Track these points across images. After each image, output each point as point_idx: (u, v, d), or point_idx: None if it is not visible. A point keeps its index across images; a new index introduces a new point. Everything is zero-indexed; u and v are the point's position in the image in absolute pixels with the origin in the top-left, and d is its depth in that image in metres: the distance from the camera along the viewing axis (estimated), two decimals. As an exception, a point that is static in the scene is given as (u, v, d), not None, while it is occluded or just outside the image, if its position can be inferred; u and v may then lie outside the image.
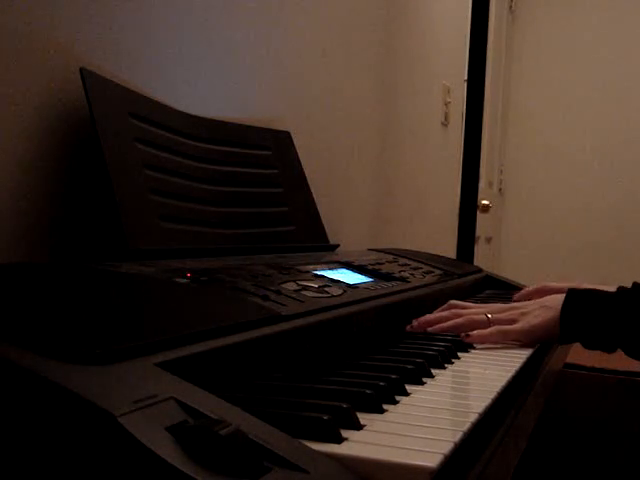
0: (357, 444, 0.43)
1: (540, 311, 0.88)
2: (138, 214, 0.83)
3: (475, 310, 0.93)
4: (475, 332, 0.84)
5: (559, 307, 0.87)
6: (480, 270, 1.58)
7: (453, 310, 0.95)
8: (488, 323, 0.89)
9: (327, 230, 1.28)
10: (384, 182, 1.98)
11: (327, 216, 1.32)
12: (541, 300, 0.91)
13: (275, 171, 1.19)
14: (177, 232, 0.90)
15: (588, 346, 0.88)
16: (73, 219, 0.85)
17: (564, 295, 0.88)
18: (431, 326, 0.90)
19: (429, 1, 2.32)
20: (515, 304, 0.95)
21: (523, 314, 0.89)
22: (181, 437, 0.35)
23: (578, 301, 0.87)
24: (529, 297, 1.31)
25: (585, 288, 0.90)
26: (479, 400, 0.56)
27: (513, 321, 0.89)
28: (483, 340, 0.84)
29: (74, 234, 0.85)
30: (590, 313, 0.86)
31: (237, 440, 0.35)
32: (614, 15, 3.58)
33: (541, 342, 0.89)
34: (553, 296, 0.90)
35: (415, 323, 0.91)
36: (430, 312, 1.05)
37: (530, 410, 0.72)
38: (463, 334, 0.84)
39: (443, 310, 0.96)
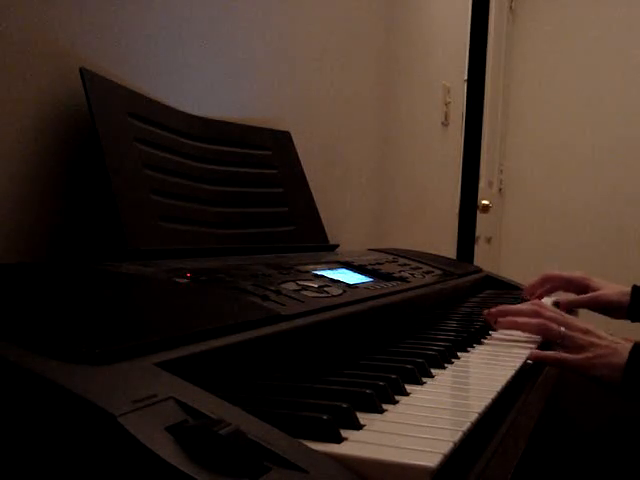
0: (357, 444, 0.43)
1: (607, 352, 0.86)
2: (138, 214, 0.83)
3: (554, 316, 0.92)
4: (536, 352, 0.84)
5: (626, 356, 0.84)
6: (480, 270, 1.58)
7: (534, 308, 0.95)
8: (559, 337, 0.89)
9: (327, 230, 1.28)
10: (384, 182, 1.98)
11: (327, 216, 1.32)
12: (613, 339, 0.89)
13: (275, 171, 1.19)
14: (177, 232, 0.90)
15: None
16: (73, 219, 0.85)
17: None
18: (506, 315, 0.93)
19: (429, 1, 2.32)
20: (592, 329, 0.92)
21: (593, 344, 0.87)
22: (181, 437, 0.35)
23: None
24: (536, 290, 1.30)
25: None
26: (479, 400, 0.56)
27: (581, 347, 0.87)
28: (540, 360, 0.84)
29: (74, 234, 0.85)
30: None
31: (237, 440, 0.35)
32: (614, 14, 3.58)
33: (596, 382, 0.87)
34: (626, 344, 0.88)
35: (494, 310, 0.93)
36: (429, 312, 1.05)
37: (530, 410, 0.72)
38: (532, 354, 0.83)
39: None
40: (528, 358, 0.81)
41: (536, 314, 0.93)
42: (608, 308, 1.25)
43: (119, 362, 0.42)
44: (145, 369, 0.42)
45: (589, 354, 0.86)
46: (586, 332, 0.90)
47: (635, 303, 1.22)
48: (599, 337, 0.88)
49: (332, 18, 1.58)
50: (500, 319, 0.93)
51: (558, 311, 0.98)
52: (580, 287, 1.29)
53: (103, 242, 0.84)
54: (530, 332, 0.92)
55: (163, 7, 1.01)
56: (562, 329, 0.89)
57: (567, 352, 0.87)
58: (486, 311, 0.95)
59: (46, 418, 0.36)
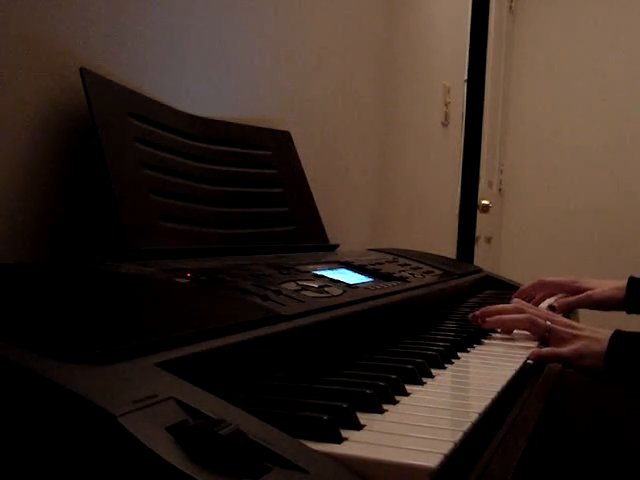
0: (357, 444, 0.43)
1: (589, 342, 0.89)
2: (138, 214, 0.83)
3: (538, 313, 0.96)
4: (536, 351, 0.86)
5: (606, 344, 0.88)
6: (480, 270, 1.58)
7: (516, 305, 0.98)
8: (545, 330, 0.91)
9: (327, 230, 1.28)
10: (384, 182, 1.98)
11: (327, 216, 1.32)
12: (594, 329, 0.92)
13: (275, 171, 1.19)
14: (177, 232, 0.90)
15: (634, 390, 0.90)
16: (73, 219, 0.85)
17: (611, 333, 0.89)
18: (491, 316, 0.95)
19: (429, 1, 2.32)
20: (574, 323, 0.95)
21: (576, 337, 0.90)
22: (181, 437, 0.35)
23: (623, 345, 0.88)
24: (528, 294, 1.31)
25: (631, 332, 0.90)
26: (479, 400, 0.56)
27: (564, 340, 0.90)
28: (539, 358, 0.85)
29: (74, 234, 0.85)
30: (635, 359, 0.87)
31: (237, 440, 0.35)
32: (614, 14, 3.58)
33: (583, 372, 0.90)
34: (606, 332, 0.91)
35: (477, 312, 0.96)
36: (429, 312, 1.05)
37: (530, 410, 0.72)
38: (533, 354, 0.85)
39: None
40: (528, 358, 0.82)
41: (520, 311, 0.96)
42: (604, 304, 1.25)
43: (119, 362, 0.42)
44: (145, 369, 0.42)
45: (574, 346, 0.89)
46: (568, 325, 0.93)
47: (631, 295, 1.23)
48: (580, 329, 0.92)
49: (332, 18, 1.58)
50: (488, 319, 0.95)
51: (538, 307, 1.02)
52: (572, 290, 1.29)
53: (103, 242, 0.84)
54: (518, 327, 0.94)
55: (163, 7, 1.01)
56: (548, 322, 0.92)
57: (555, 346, 0.90)
58: (470, 315, 0.97)
59: (46, 418, 0.36)
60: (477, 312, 0.97)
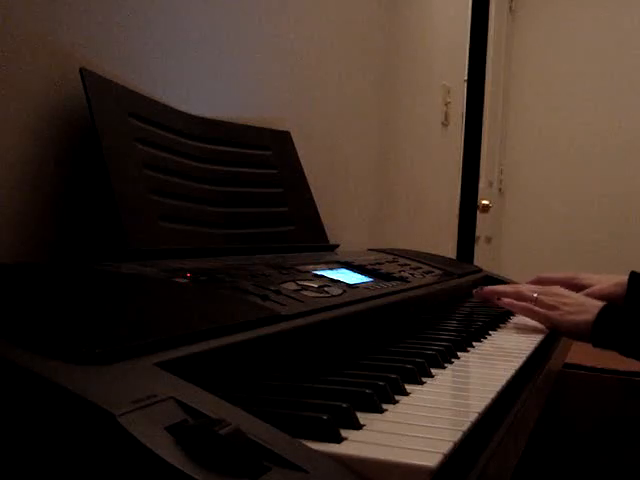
0: (357, 444, 0.43)
1: (578, 308, 0.97)
2: (138, 214, 0.83)
3: (528, 287, 1.08)
4: (508, 300, 1.01)
5: (595, 312, 0.94)
6: (480, 270, 1.58)
7: (512, 285, 1.13)
8: (531, 300, 1.02)
9: (327, 230, 1.28)
10: (384, 182, 1.98)
11: (327, 216, 1.32)
12: (584, 299, 1.01)
13: (275, 171, 1.19)
14: (177, 232, 0.90)
15: (623, 354, 0.96)
16: (73, 219, 0.85)
17: (602, 304, 0.96)
18: (492, 292, 1.11)
19: (429, 1, 2.32)
20: (563, 292, 1.04)
21: (564, 304, 0.99)
22: (181, 437, 0.35)
23: (613, 312, 0.95)
24: None
25: (619, 306, 0.98)
26: (479, 400, 0.56)
27: (554, 307, 0.99)
28: (510, 307, 1.00)
29: (74, 234, 0.85)
30: (623, 324, 0.93)
31: (237, 440, 0.35)
32: (614, 15, 3.58)
33: (567, 336, 1.00)
34: (594, 301, 0.99)
35: (479, 289, 1.12)
36: (429, 312, 1.06)
37: (530, 410, 0.72)
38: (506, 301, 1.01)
39: None
40: (504, 306, 1.02)
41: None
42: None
43: (119, 362, 0.42)
44: (145, 369, 0.42)
45: (560, 312, 0.98)
46: (557, 294, 1.02)
47: (633, 290, 1.22)
48: (569, 297, 1.01)
49: (332, 18, 1.58)
50: (485, 288, 1.10)
51: (536, 287, 1.11)
52: (571, 287, 1.29)
53: (103, 242, 0.84)
54: (506, 296, 1.07)
55: (163, 7, 1.01)
56: (534, 294, 1.02)
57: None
58: (474, 290, 1.12)
59: (46, 418, 0.36)
60: (479, 289, 1.11)
